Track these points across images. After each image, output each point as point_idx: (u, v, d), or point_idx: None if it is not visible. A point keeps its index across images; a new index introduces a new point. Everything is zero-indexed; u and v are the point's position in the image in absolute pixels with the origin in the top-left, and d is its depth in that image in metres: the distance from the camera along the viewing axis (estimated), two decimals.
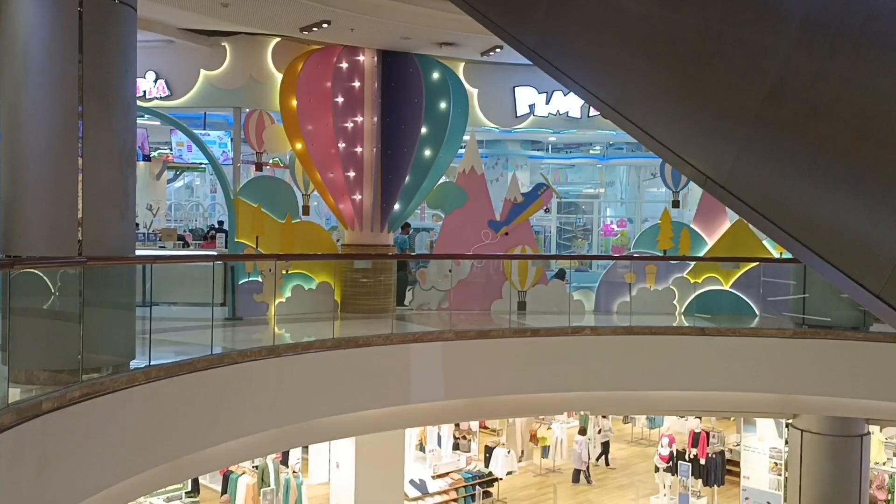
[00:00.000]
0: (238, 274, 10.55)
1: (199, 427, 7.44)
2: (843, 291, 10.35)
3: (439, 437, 19.38)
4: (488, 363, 9.76)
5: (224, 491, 15.61)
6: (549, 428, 20.34)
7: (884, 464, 17.50)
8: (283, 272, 10.80)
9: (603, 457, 20.79)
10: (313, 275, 11.17)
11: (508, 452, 19.02)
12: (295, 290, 10.97)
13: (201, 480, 16.83)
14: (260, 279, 10.58)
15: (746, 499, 16.54)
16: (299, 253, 11.14)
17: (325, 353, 8.67)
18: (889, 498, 16.71)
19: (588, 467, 19.55)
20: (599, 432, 21.04)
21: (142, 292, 8.19)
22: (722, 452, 18.32)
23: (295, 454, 16.93)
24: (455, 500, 17.44)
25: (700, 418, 19.14)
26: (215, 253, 13.27)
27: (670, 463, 18.13)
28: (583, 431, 19.98)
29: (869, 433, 11.88)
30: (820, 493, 11.49)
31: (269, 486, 15.03)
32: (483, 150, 19.05)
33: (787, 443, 15.06)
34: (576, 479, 19.54)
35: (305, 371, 8.62)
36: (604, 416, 20.46)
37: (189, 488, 15.53)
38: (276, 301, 10.49)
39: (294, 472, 15.71)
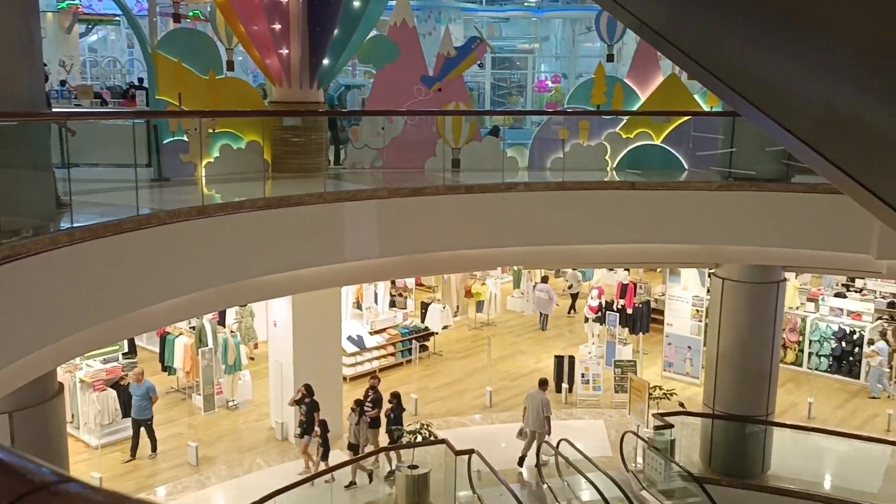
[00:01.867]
0: (162, 133, 10.12)
1: (130, 288, 7.34)
2: (769, 144, 10.54)
3: (376, 295, 19.71)
4: (423, 221, 9.78)
5: (162, 352, 15.72)
6: (483, 283, 20.88)
7: (797, 308, 18.62)
8: (210, 131, 10.40)
9: (573, 308, 21.75)
10: (241, 133, 10.80)
11: (444, 308, 19.56)
12: (223, 150, 10.61)
13: (137, 342, 16.89)
14: (185, 138, 10.18)
15: (669, 344, 17.50)
16: (226, 110, 10.71)
17: (257, 212, 8.52)
18: (800, 339, 17.90)
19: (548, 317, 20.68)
20: (570, 287, 21.91)
21: (60, 153, 7.82)
22: (648, 302, 19.19)
23: (232, 314, 17.03)
24: (392, 355, 17.99)
25: (628, 270, 19.87)
26: (136, 110, 12.67)
27: (599, 313, 18.92)
28: (545, 279, 20.82)
29: (785, 280, 12.51)
30: (738, 337, 12.19)
31: (206, 345, 15.18)
32: (414, 3, 18.30)
33: (708, 291, 15.79)
34: (542, 325, 20.67)
35: (237, 231, 8.49)
36: (574, 269, 21.25)
37: (126, 349, 15.57)
38: (204, 161, 10.16)
39: (232, 331, 15.86)
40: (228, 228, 8.30)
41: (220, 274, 8.47)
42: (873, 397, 16.55)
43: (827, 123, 3.21)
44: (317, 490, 11.46)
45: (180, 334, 15.68)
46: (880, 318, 18.41)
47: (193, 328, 15.68)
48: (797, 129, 3.37)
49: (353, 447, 12.49)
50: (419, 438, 11.79)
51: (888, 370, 16.81)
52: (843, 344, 17.59)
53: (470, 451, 10.90)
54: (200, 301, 8.72)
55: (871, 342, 17.14)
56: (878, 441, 13.82)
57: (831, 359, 17.69)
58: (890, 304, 19.84)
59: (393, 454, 12.10)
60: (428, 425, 12.32)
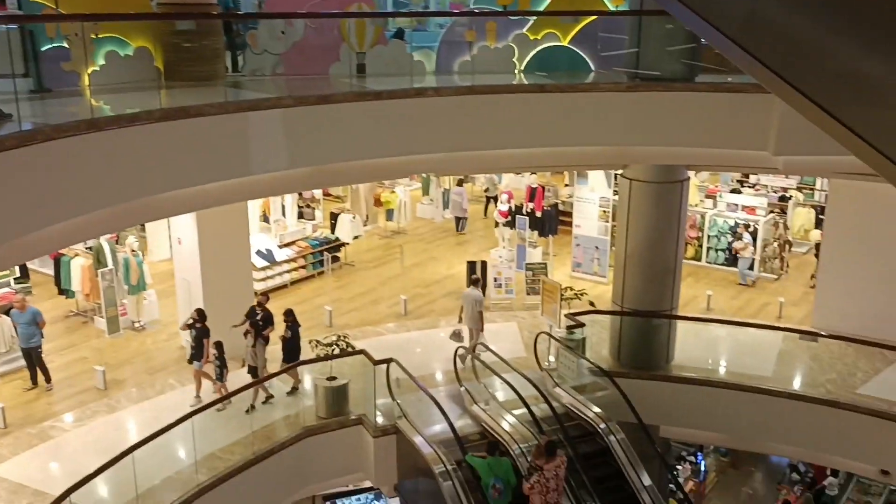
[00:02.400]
0: (39, 39, 9.27)
1: (16, 212, 6.83)
2: (674, 44, 10.52)
3: (283, 207, 19.27)
4: (330, 129, 9.43)
5: (57, 275, 15.00)
6: (392, 192, 20.67)
7: (696, 205, 19.26)
8: (93, 36, 9.59)
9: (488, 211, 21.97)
10: (129, 39, 10.01)
11: (353, 218, 19.30)
12: (109, 57, 9.83)
13: (30, 265, 16.06)
14: (66, 45, 9.36)
15: (578, 245, 17.88)
16: (109, 13, 9.87)
17: (154, 125, 7.99)
18: (699, 235, 18.59)
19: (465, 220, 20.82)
20: (486, 190, 22.11)
21: None
22: (556, 205, 19.46)
23: (132, 233, 16.32)
24: (303, 267, 17.74)
25: (535, 174, 20.01)
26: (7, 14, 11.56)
27: (509, 218, 19.08)
28: (460, 183, 20.83)
29: (689, 179, 12.83)
30: (645, 235, 12.51)
31: (106, 266, 14.54)
32: None
33: (615, 192, 16.11)
34: (458, 228, 20.87)
35: (133, 146, 7.96)
36: (490, 174, 21.36)
37: (18, 274, 14.78)
38: (89, 69, 9.40)
39: (133, 250, 15.22)
40: (123, 143, 7.77)
41: (116, 192, 7.98)
42: (741, 284, 17.65)
43: (754, 22, 3.14)
44: (222, 415, 11.17)
45: (76, 256, 14.96)
46: (772, 212, 19.28)
47: (90, 249, 14.98)
48: (724, 27, 3.30)
49: (252, 370, 12.05)
50: (336, 350, 11.74)
51: (754, 258, 17.89)
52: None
53: (388, 361, 10.95)
54: (96, 222, 8.24)
55: (738, 237, 18.00)
56: (770, 328, 14.70)
57: (728, 252, 18.51)
58: (781, 199, 20.80)
59: (290, 377, 11.92)
60: (344, 337, 12.26)
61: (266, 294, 12.66)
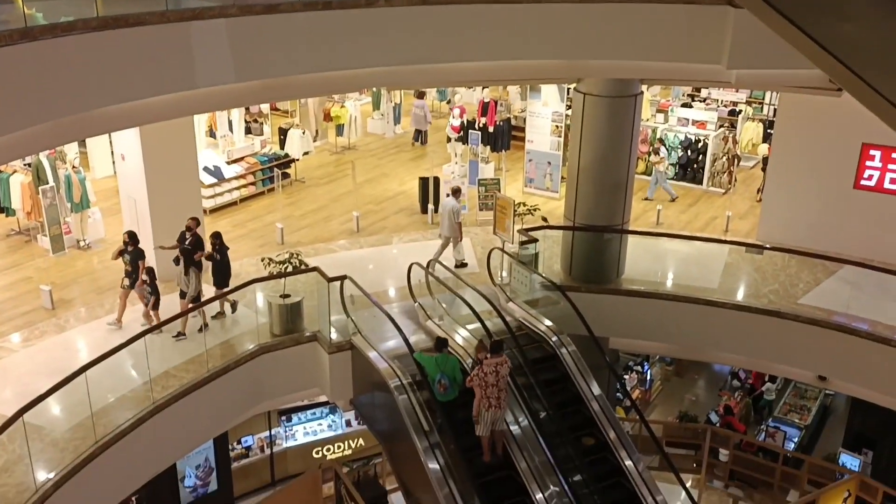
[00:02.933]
0: None
1: None
2: None
3: (230, 122, 18.76)
4: (278, 41, 9.10)
5: None
6: (342, 106, 20.23)
7: (647, 120, 19.30)
8: None
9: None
10: None
11: (303, 133, 18.89)
12: None
13: None
14: None
15: (530, 160, 17.85)
16: None
17: (92, 34, 7.60)
18: (650, 150, 18.70)
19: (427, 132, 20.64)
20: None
21: None
22: (508, 120, 19.32)
23: (72, 149, 15.75)
24: (253, 184, 17.42)
25: (487, 88, 19.74)
26: None
27: (461, 133, 18.90)
28: (421, 96, 20.48)
29: (642, 93, 12.79)
30: (598, 149, 12.51)
31: (46, 183, 14.07)
32: None
33: (569, 107, 16.02)
34: (416, 139, 20.69)
35: (70, 57, 7.59)
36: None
37: None
38: None
39: (74, 167, 14.72)
40: (59, 54, 7.40)
41: (52, 106, 7.65)
42: (646, 199, 17.66)
43: None
44: (155, 342, 10.77)
45: (14, 172, 14.42)
46: (722, 126, 19.46)
47: (29, 165, 14.44)
48: None
49: (185, 296, 11.57)
50: (289, 268, 11.65)
51: (667, 172, 18.16)
52: (689, 152, 18.56)
53: (342, 278, 10.92)
54: (33, 137, 7.91)
55: (656, 151, 18.15)
56: (717, 241, 15.04)
57: (678, 167, 18.70)
58: (731, 113, 20.96)
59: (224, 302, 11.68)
60: (297, 254, 12.14)
61: (195, 218, 11.98)
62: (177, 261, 11.55)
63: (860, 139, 14.07)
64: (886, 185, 14.14)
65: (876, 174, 14.21)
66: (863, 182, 14.33)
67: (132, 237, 11.53)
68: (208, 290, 11.95)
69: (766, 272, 13.61)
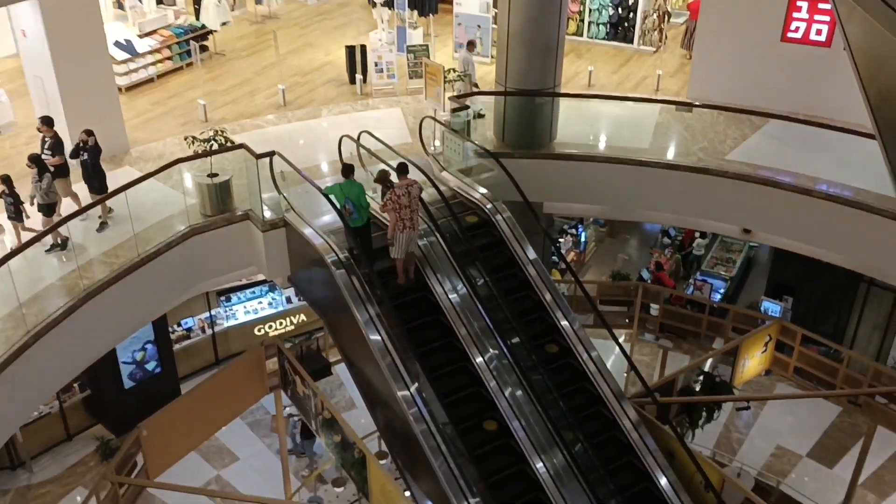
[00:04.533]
0: None
1: None
2: None
3: None
4: None
5: None
6: None
7: None
8: None
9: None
10: None
11: (219, 2, 17.82)
12: None
13: None
14: None
15: (459, 24, 17.29)
16: None
17: None
18: (581, 10, 18.29)
19: None
20: None
21: None
22: None
23: None
24: (170, 59, 16.53)
25: None
26: None
27: None
28: None
29: None
30: (527, 11, 12.06)
31: None
32: None
33: None
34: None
35: None
36: None
37: None
38: None
39: None
40: None
41: None
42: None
43: None
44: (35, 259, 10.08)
45: None
46: None
47: None
48: None
49: (43, 208, 10.47)
50: (214, 146, 11.21)
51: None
52: (620, 10, 18.21)
53: (270, 154, 10.59)
54: None
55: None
56: (647, 101, 15.06)
57: (608, 25, 18.39)
58: None
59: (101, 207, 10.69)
60: (222, 131, 11.65)
61: (48, 117, 10.80)
62: (33, 173, 10.36)
63: None
64: (812, 36, 14.19)
65: (802, 25, 14.22)
66: (790, 34, 14.35)
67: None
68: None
69: (695, 130, 13.74)
